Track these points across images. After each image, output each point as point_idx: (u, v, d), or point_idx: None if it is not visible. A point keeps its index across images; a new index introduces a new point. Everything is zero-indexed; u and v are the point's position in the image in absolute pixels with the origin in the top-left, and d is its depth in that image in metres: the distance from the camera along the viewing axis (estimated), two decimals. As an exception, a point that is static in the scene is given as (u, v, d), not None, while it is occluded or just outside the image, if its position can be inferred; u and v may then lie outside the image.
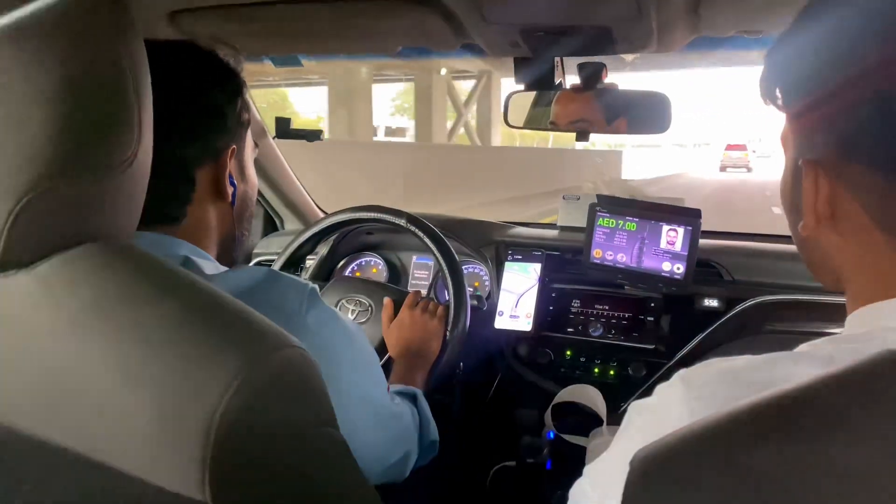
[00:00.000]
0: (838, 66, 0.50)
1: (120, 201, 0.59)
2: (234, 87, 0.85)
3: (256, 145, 0.94)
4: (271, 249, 1.89)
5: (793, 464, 0.37)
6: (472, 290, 1.74)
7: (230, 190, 0.85)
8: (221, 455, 0.49)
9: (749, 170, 28.34)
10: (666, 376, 1.43)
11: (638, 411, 0.59)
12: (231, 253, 0.91)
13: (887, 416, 0.36)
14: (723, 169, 29.12)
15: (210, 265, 0.78)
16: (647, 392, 1.45)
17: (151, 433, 0.51)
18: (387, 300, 1.42)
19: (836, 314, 1.37)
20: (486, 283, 1.74)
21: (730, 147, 34.10)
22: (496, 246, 1.75)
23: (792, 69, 0.54)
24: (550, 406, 1.34)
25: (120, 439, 0.51)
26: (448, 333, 1.37)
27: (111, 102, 0.55)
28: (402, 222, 1.45)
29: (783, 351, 0.53)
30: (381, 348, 1.40)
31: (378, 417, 0.89)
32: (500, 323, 1.57)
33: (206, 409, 0.50)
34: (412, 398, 1.13)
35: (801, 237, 0.59)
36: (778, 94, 0.56)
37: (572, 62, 1.35)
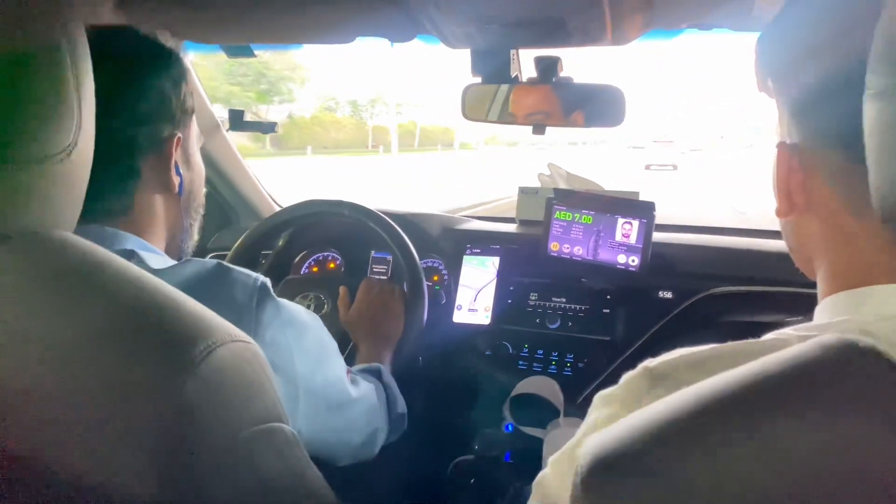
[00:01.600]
0: (815, 55, 0.51)
1: (59, 192, 0.57)
2: (177, 72, 0.83)
3: (202, 134, 0.91)
4: (224, 244, 1.85)
5: (737, 452, 0.37)
6: (430, 283, 1.74)
7: (176, 180, 0.83)
8: (168, 450, 0.48)
9: (675, 167, 25.63)
10: (621, 368, 1.45)
11: (604, 401, 0.59)
12: (180, 244, 0.89)
13: (831, 405, 0.36)
14: (647, 168, 26.11)
15: (157, 258, 0.76)
16: (604, 384, 1.46)
17: (98, 430, 0.49)
18: (342, 288, 1.41)
19: (788, 305, 1.41)
20: (445, 277, 1.74)
21: (657, 143, 31.59)
22: (454, 240, 1.74)
23: (777, 58, 0.55)
24: (508, 398, 1.34)
25: (66, 438, 0.50)
26: (408, 308, 1.37)
27: (49, 91, 0.53)
28: (344, 211, 1.44)
29: (744, 340, 0.53)
30: (345, 338, 1.38)
31: (337, 404, 0.88)
32: (459, 317, 1.57)
33: (155, 405, 0.49)
34: (377, 374, 1.13)
35: (781, 222, 0.61)
36: (769, 83, 0.57)
37: (529, 55, 1.35)
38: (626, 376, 0.57)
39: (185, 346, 0.52)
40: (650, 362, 0.55)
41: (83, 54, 0.57)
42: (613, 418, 0.56)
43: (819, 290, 0.58)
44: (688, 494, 0.37)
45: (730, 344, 0.52)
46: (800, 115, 0.54)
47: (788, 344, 0.50)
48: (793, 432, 0.36)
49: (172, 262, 0.77)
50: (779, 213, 0.58)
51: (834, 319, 0.52)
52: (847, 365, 0.37)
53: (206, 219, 2.01)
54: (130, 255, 0.74)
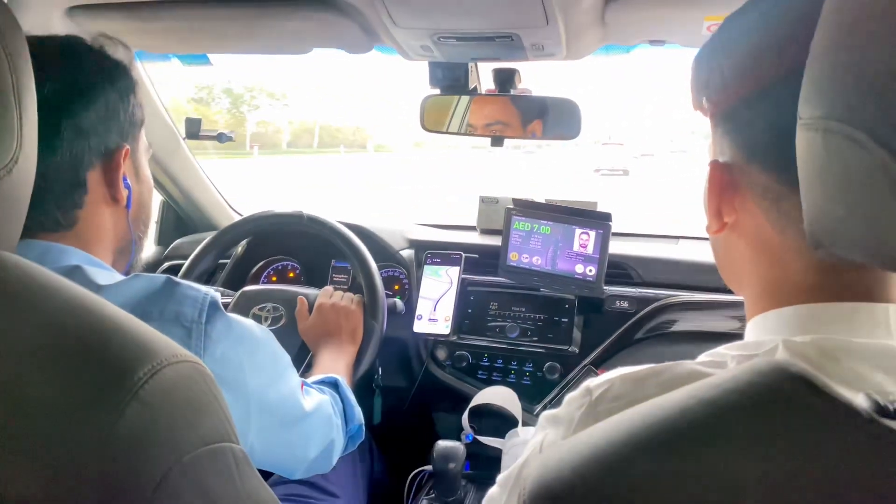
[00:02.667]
0: (746, 76, 0.52)
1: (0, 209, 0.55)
2: (125, 84, 0.81)
3: (150, 146, 0.90)
4: (182, 252, 1.82)
5: (670, 481, 0.37)
6: (391, 293, 1.74)
7: (125, 192, 0.81)
8: (110, 475, 0.47)
9: (626, 172, 23.74)
10: (578, 377, 1.47)
11: (549, 421, 0.60)
12: (129, 257, 0.88)
13: (759, 426, 0.37)
14: (597, 171, 24.01)
15: (104, 274, 0.75)
16: (562, 393, 1.48)
17: (37, 460, 0.48)
18: (300, 299, 1.40)
19: (739, 312, 1.45)
20: (406, 285, 1.74)
21: (607, 146, 27.71)
22: (415, 249, 1.74)
23: (710, 77, 0.56)
24: (467, 409, 1.34)
25: (3, 468, 0.48)
26: (367, 319, 1.37)
27: None
28: (303, 221, 1.44)
29: (685, 356, 0.54)
30: (303, 350, 1.37)
31: (291, 419, 0.87)
32: (419, 327, 1.57)
33: (98, 429, 0.48)
34: (333, 385, 1.12)
35: (710, 239, 0.62)
36: (704, 101, 0.58)
37: (487, 66, 1.36)
38: (569, 397, 0.58)
39: (128, 369, 0.51)
40: (591, 382, 0.56)
41: (24, 66, 0.55)
42: (557, 438, 0.57)
43: (747, 308, 0.59)
44: None
45: (667, 364, 0.53)
46: (731, 134, 0.55)
47: (723, 365, 0.51)
48: (725, 459, 0.37)
49: (120, 278, 0.76)
50: (709, 229, 0.59)
51: (764, 338, 0.53)
52: (778, 392, 0.38)
53: (163, 227, 2.00)
54: (75, 270, 0.72)
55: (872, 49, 0.35)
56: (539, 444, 0.60)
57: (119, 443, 0.48)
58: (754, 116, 0.52)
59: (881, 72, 0.34)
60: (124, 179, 0.81)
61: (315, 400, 0.96)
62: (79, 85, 0.76)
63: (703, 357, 0.54)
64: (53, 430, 0.49)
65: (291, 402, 0.88)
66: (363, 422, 1.13)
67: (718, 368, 0.51)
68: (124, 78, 0.81)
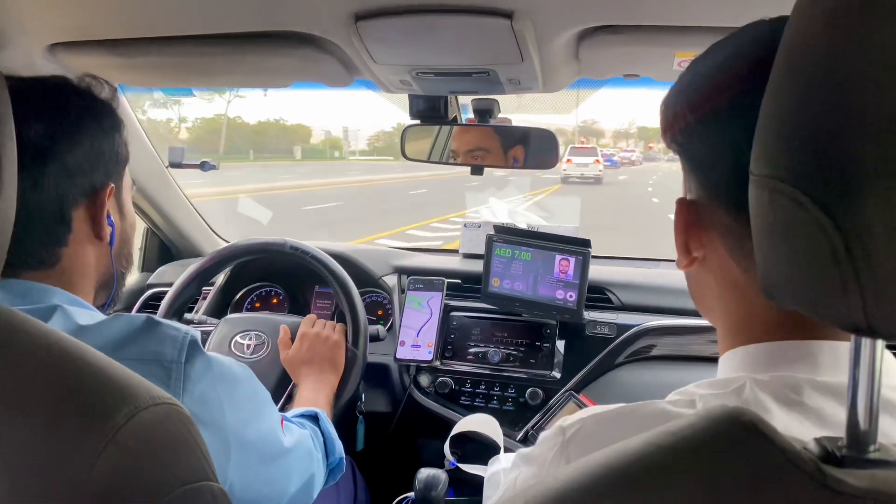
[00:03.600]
0: (701, 117, 0.54)
1: None
2: (111, 123, 0.82)
3: (134, 183, 0.91)
4: (165, 279, 1.82)
5: None
6: (374, 319, 1.75)
7: (108, 230, 0.82)
8: None
9: (598, 181, 22.05)
10: (560, 402, 1.47)
11: (523, 460, 0.62)
12: (111, 291, 0.88)
13: (710, 473, 0.38)
14: (565, 181, 22.21)
15: (85, 314, 0.75)
16: (544, 418, 1.48)
17: (9, 500, 0.48)
18: (282, 326, 1.41)
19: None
20: (389, 311, 1.75)
21: (576, 150, 24.31)
22: (398, 274, 1.75)
23: (677, 117, 0.57)
24: (449, 437, 1.35)
25: None
26: (349, 348, 1.37)
27: None
28: (286, 249, 1.45)
29: (665, 380, 0.55)
30: (284, 379, 1.38)
31: (270, 456, 0.88)
32: (402, 353, 1.57)
33: (73, 478, 0.48)
34: (313, 419, 1.12)
35: (684, 273, 0.63)
36: (672, 143, 0.59)
37: (467, 99, 1.38)
38: (542, 436, 0.59)
39: (105, 413, 0.51)
40: (564, 421, 0.58)
41: (5, 111, 0.56)
42: (530, 477, 0.58)
43: (719, 342, 0.61)
44: None
45: (638, 404, 0.54)
46: (695, 173, 0.57)
47: (692, 404, 0.53)
48: (679, 502, 0.38)
49: (101, 318, 0.76)
50: (679, 265, 0.61)
51: (731, 376, 0.54)
52: (728, 439, 0.39)
53: (147, 254, 2.00)
54: (56, 310, 0.73)
55: (811, 107, 0.36)
56: (513, 482, 0.61)
57: (95, 487, 0.49)
58: (715, 158, 0.53)
59: (820, 131, 0.36)
60: (108, 217, 0.82)
61: (295, 435, 0.97)
62: (64, 126, 0.77)
63: (673, 396, 0.56)
64: (27, 475, 0.49)
65: (271, 439, 0.88)
66: (343, 455, 1.14)
67: (687, 408, 0.52)
68: (110, 117, 0.82)
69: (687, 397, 0.54)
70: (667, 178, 24.98)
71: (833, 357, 0.51)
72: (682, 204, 0.59)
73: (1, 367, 0.53)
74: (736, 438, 0.38)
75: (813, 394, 0.49)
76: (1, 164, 0.55)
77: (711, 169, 0.54)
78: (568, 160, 23.09)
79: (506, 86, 1.14)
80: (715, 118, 0.53)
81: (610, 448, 0.43)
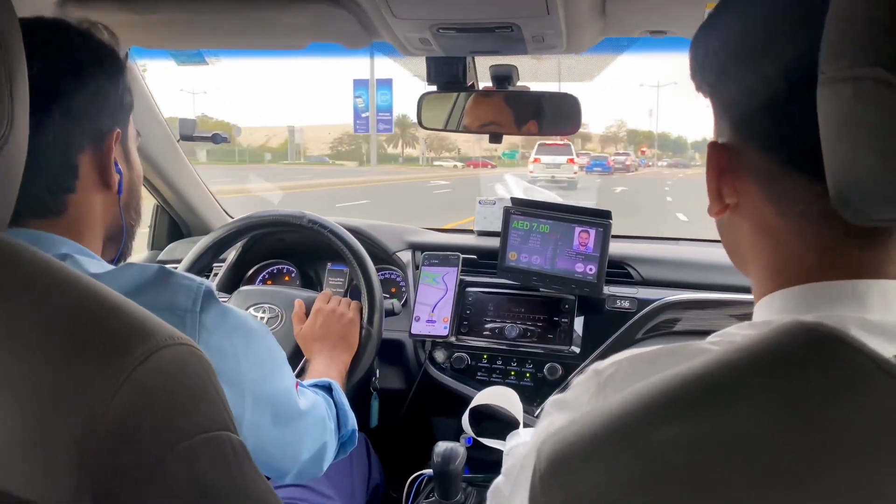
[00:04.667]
0: (745, 57, 0.51)
1: None
2: (114, 66, 0.80)
3: (139, 134, 0.88)
4: (176, 256, 1.80)
5: (696, 443, 0.36)
6: (388, 295, 1.72)
7: (116, 177, 0.79)
8: (101, 461, 0.45)
9: (572, 185, 18.13)
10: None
11: (555, 406, 0.59)
12: (119, 245, 0.86)
13: (787, 383, 0.36)
14: (532, 184, 16.93)
15: (95, 264, 0.73)
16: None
17: (25, 445, 0.46)
18: (297, 301, 1.38)
19: (743, 311, 1.43)
20: (403, 288, 1.72)
21: (544, 147, 19.75)
22: (412, 251, 1.72)
23: (709, 58, 0.55)
24: (467, 410, 1.32)
25: None
26: (364, 326, 1.35)
27: None
28: (304, 222, 1.41)
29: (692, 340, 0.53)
30: (297, 354, 1.35)
31: (285, 417, 0.85)
32: (417, 328, 1.54)
33: (82, 413, 0.46)
34: (327, 390, 1.10)
35: (715, 221, 0.61)
36: (703, 84, 0.57)
37: (485, 65, 1.35)
38: (576, 381, 0.57)
39: (122, 350, 0.49)
40: (598, 364, 0.55)
41: (16, 45, 0.54)
42: (567, 422, 0.55)
43: (754, 290, 0.58)
44: (646, 479, 0.36)
45: (678, 344, 0.51)
46: (730, 115, 0.54)
47: (730, 339, 0.50)
48: (751, 419, 0.36)
49: (110, 267, 0.74)
50: (710, 212, 0.59)
51: (773, 318, 0.52)
52: (811, 349, 0.36)
53: (157, 231, 1.98)
54: (65, 259, 0.70)
55: None
56: (546, 428, 0.58)
57: (109, 427, 0.46)
58: (748, 96, 0.51)
59: None
60: (115, 164, 0.79)
61: (310, 400, 0.94)
62: (69, 66, 0.74)
63: (713, 337, 0.53)
64: (40, 412, 0.47)
65: (286, 399, 0.86)
66: (356, 427, 1.11)
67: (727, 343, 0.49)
68: (113, 60, 0.80)
69: (727, 338, 0.52)
70: (686, 188, 19.40)
71: (882, 296, 0.49)
72: (713, 148, 0.56)
73: (17, 304, 0.51)
74: (819, 350, 0.36)
75: (861, 333, 0.45)
76: (14, 100, 0.53)
77: (745, 108, 0.52)
78: (535, 159, 20.05)
79: (529, 44, 1.11)
80: (749, 54, 0.50)
81: (664, 373, 0.40)
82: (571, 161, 20.05)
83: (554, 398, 0.60)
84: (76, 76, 0.74)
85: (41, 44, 0.74)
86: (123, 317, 0.52)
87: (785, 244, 0.52)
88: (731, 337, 0.52)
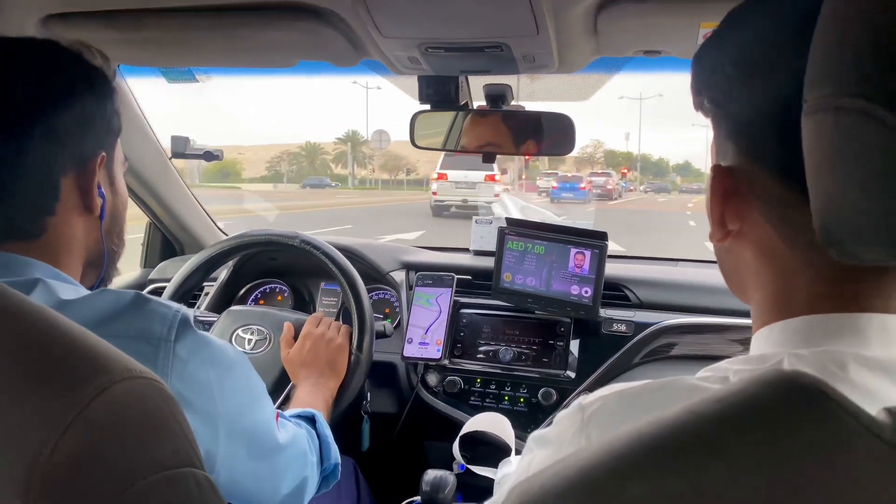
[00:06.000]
0: (751, 75, 0.49)
1: None
2: (103, 90, 0.79)
3: (126, 159, 0.87)
4: (167, 275, 1.78)
5: (666, 499, 0.33)
6: (380, 316, 1.69)
7: (99, 201, 0.78)
8: (48, 502, 0.43)
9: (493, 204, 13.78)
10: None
11: (537, 442, 0.56)
12: (100, 271, 0.84)
13: (764, 440, 0.33)
14: (439, 213, 14.56)
15: (68, 289, 0.71)
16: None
17: None
18: (286, 324, 1.36)
19: (742, 336, 1.40)
20: (397, 308, 1.69)
21: (455, 159, 13.28)
22: (406, 270, 1.70)
23: (712, 77, 0.53)
24: (458, 437, 1.28)
25: None
26: (353, 352, 1.32)
27: None
28: (296, 242, 1.39)
29: (684, 375, 0.50)
30: (283, 378, 1.32)
31: (260, 449, 0.82)
32: (409, 351, 1.51)
33: (30, 450, 0.44)
34: (310, 420, 1.07)
35: (717, 248, 0.58)
36: (706, 102, 0.54)
37: (479, 84, 1.33)
38: (560, 415, 0.54)
39: (75, 385, 0.47)
40: (584, 399, 0.53)
41: None
42: (547, 459, 0.53)
43: (753, 319, 0.56)
44: None
45: (666, 380, 0.49)
46: (736, 137, 0.52)
47: (726, 380, 0.47)
48: (726, 477, 0.33)
49: (86, 293, 0.72)
50: (712, 238, 0.56)
51: (769, 351, 0.49)
52: (788, 404, 0.34)
53: (149, 249, 1.96)
54: (35, 284, 0.68)
55: (890, 11, 0.32)
56: (526, 467, 0.55)
57: (58, 465, 0.44)
58: (759, 116, 0.48)
59: None
60: (99, 188, 0.78)
61: (290, 433, 0.91)
62: (54, 87, 0.73)
63: (704, 372, 0.51)
64: None
65: (264, 432, 0.83)
66: (339, 461, 1.08)
67: (720, 384, 0.47)
68: (102, 84, 0.79)
69: (719, 373, 0.49)
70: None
71: (882, 330, 0.46)
72: (718, 171, 0.53)
73: None
74: (797, 403, 0.33)
75: (860, 369, 0.44)
76: None
77: (755, 129, 0.49)
78: (439, 175, 14.29)
79: (520, 63, 1.08)
80: (761, 70, 0.48)
81: (640, 422, 0.37)
82: (493, 178, 14.15)
83: (536, 433, 0.57)
84: (62, 98, 0.73)
85: (28, 64, 0.73)
86: (78, 350, 0.50)
87: (791, 274, 0.50)
88: (722, 372, 0.49)
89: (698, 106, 0.56)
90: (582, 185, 23.80)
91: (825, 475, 0.32)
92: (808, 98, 0.37)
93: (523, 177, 32.83)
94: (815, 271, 0.48)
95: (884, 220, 0.34)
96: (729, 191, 0.52)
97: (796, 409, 0.33)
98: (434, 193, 14.55)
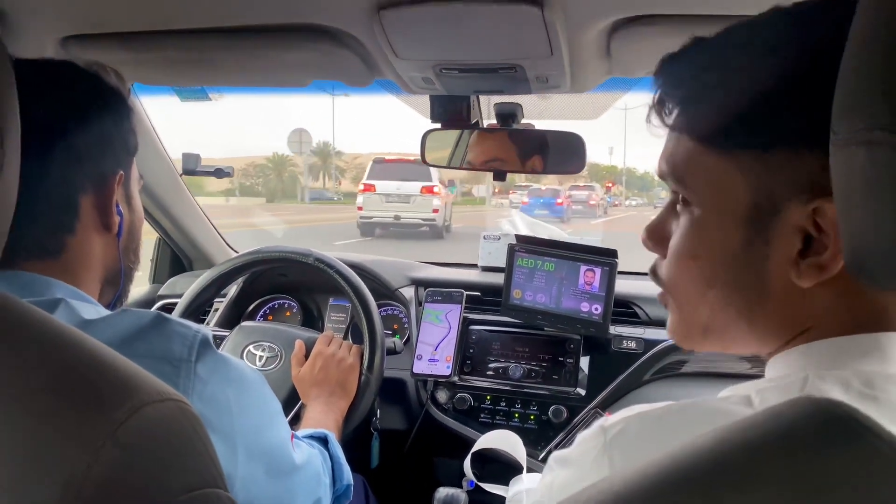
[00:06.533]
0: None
1: None
2: (119, 108, 0.80)
3: (142, 176, 0.88)
4: (177, 291, 1.78)
5: None
6: (390, 332, 1.69)
7: (117, 219, 0.79)
8: None
9: (436, 231, 12.44)
10: (586, 420, 1.41)
11: (559, 463, 0.56)
12: (117, 289, 0.84)
13: (804, 466, 0.33)
14: (366, 232, 12.78)
15: (90, 308, 0.71)
16: (568, 437, 1.42)
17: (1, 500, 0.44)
18: (298, 342, 1.36)
19: (751, 353, 1.39)
20: (406, 324, 1.69)
21: (382, 165, 12.94)
22: (415, 287, 1.70)
23: (782, 98, 0.48)
24: (469, 454, 1.28)
25: None
26: (364, 372, 1.32)
27: None
28: (310, 260, 1.40)
29: (701, 396, 0.50)
30: (293, 397, 1.32)
31: (278, 469, 0.82)
32: (419, 367, 1.51)
33: (64, 472, 0.44)
34: (323, 441, 1.07)
35: (758, 297, 0.52)
36: (731, 127, 0.50)
37: (490, 101, 1.34)
38: (581, 436, 0.54)
39: (106, 408, 0.47)
40: (605, 421, 0.53)
41: (8, 88, 0.53)
42: (569, 480, 0.53)
43: (764, 341, 0.54)
44: None
45: (688, 401, 0.49)
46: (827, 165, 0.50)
47: (748, 401, 0.47)
48: (768, 502, 0.33)
49: (106, 312, 0.72)
50: (808, 280, 0.51)
51: (791, 372, 0.49)
52: (825, 433, 0.34)
53: (159, 265, 1.97)
54: (59, 304, 0.69)
55: None
56: (549, 486, 0.56)
57: (91, 488, 0.45)
58: (784, 147, 0.48)
59: None
60: (117, 206, 0.79)
61: (305, 453, 0.91)
62: (73, 107, 0.74)
63: (725, 392, 0.51)
64: (22, 472, 0.45)
65: (281, 452, 0.83)
66: (351, 482, 1.08)
67: (744, 406, 0.47)
68: (119, 103, 0.80)
69: (741, 393, 0.49)
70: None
71: None
72: (831, 204, 0.51)
73: (6, 358, 0.49)
74: (832, 433, 0.33)
75: (887, 387, 0.44)
76: (4, 135, 0.52)
77: (775, 159, 0.48)
78: (366, 186, 12.40)
79: (533, 84, 1.09)
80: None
81: (674, 448, 0.38)
82: (431, 190, 11.96)
83: (558, 453, 0.57)
84: (81, 118, 0.74)
85: (48, 85, 0.75)
86: (108, 372, 0.50)
87: (811, 295, 0.49)
88: (743, 392, 0.49)
89: (688, 129, 0.53)
90: (558, 201, 19.87)
91: (864, 501, 0.32)
92: (837, 129, 0.38)
93: (496, 190, 30.59)
94: (843, 293, 0.48)
95: None
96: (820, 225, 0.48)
97: (831, 438, 0.33)
98: (359, 208, 12.47)
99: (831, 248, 0.46)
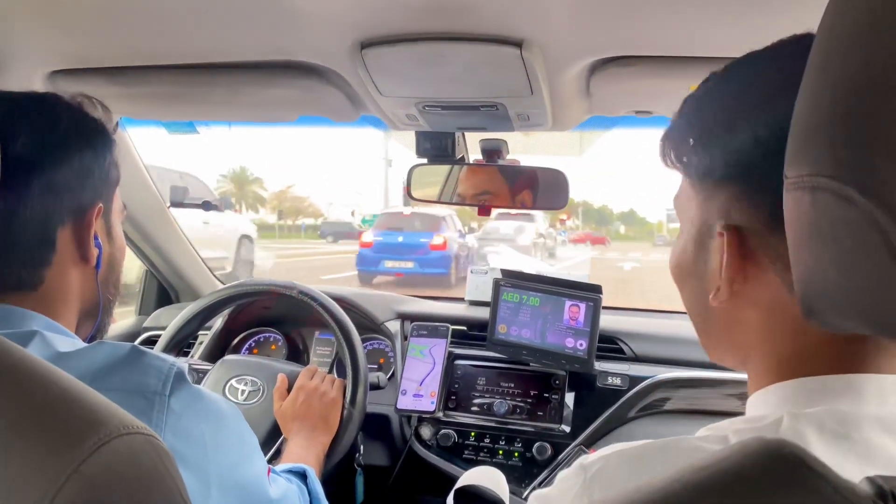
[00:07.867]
0: (760, 143, 0.49)
1: None
2: (102, 141, 0.80)
3: (125, 207, 0.88)
4: (162, 323, 1.77)
5: None
6: (375, 366, 1.68)
7: (95, 252, 0.78)
8: None
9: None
10: (570, 458, 1.39)
11: (539, 501, 0.56)
12: (95, 320, 0.84)
13: None
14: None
15: (65, 341, 0.71)
16: (552, 475, 1.40)
17: None
18: (280, 376, 1.35)
19: (736, 391, 1.39)
20: (391, 358, 1.68)
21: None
22: (401, 320, 1.70)
23: (713, 138, 0.53)
24: (452, 492, 1.27)
25: None
26: (346, 406, 1.30)
27: None
28: (294, 293, 1.39)
29: (681, 435, 0.50)
30: (275, 431, 1.31)
31: None
32: (403, 403, 1.50)
33: None
34: (301, 476, 1.06)
35: (707, 309, 0.56)
36: (685, 158, 0.56)
37: (476, 136, 1.36)
38: (561, 475, 0.54)
39: (70, 441, 0.46)
40: (585, 459, 0.53)
41: None
42: None
43: (750, 381, 0.55)
44: None
45: (668, 440, 0.49)
46: (751, 196, 0.51)
47: (725, 440, 0.47)
48: None
49: (82, 345, 0.72)
50: (717, 300, 0.54)
51: (768, 412, 0.49)
52: (770, 474, 0.34)
53: (145, 297, 1.96)
54: (32, 336, 0.68)
55: (858, 99, 0.33)
56: None
57: None
58: (773, 179, 0.46)
59: (869, 123, 0.33)
60: (95, 238, 0.78)
61: (282, 488, 0.90)
62: (52, 140, 0.74)
63: (703, 432, 0.51)
64: None
65: (256, 488, 0.82)
66: None
67: (718, 444, 0.47)
68: (101, 135, 0.80)
69: (718, 433, 0.49)
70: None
71: (879, 389, 0.47)
72: (733, 232, 0.51)
73: None
74: (778, 474, 0.33)
75: (861, 425, 0.44)
76: None
77: (774, 189, 0.49)
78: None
79: (514, 122, 1.11)
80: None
81: (631, 488, 0.38)
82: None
83: (538, 493, 0.57)
84: (61, 150, 0.74)
85: (29, 117, 0.74)
86: (76, 406, 0.50)
87: (798, 334, 0.49)
88: (722, 431, 0.49)
89: (674, 161, 0.58)
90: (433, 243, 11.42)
91: None
92: (788, 174, 0.39)
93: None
94: (824, 333, 0.46)
95: (858, 296, 0.35)
96: (733, 253, 0.51)
97: (777, 478, 0.33)
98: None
99: (723, 274, 0.52)
